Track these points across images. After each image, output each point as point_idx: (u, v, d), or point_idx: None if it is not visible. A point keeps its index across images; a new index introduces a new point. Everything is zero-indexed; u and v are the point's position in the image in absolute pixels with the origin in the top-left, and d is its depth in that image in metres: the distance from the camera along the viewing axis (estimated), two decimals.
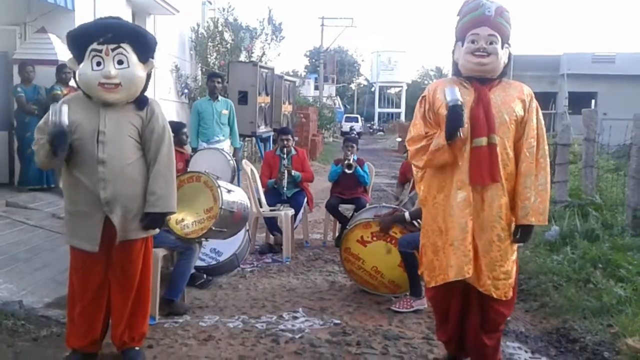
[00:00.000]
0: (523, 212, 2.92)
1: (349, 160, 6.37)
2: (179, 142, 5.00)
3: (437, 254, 3.04)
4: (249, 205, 4.52)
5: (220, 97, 7.43)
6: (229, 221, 4.12)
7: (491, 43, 2.91)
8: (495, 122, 2.91)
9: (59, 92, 6.60)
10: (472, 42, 2.93)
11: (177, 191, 3.32)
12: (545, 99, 25.50)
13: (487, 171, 2.88)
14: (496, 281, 2.93)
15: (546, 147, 3.01)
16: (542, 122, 3.03)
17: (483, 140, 2.89)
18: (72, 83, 6.43)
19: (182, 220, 3.98)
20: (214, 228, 3.95)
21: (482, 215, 2.93)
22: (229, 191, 4.17)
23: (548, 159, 3.02)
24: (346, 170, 6.35)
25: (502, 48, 2.95)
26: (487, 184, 2.90)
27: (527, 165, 2.94)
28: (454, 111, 2.84)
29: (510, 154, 2.95)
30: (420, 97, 3.15)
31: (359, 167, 6.39)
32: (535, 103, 3.02)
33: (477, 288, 2.97)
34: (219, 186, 4.04)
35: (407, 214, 4.44)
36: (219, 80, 7.44)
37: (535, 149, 2.95)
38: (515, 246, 3.03)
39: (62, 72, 6.87)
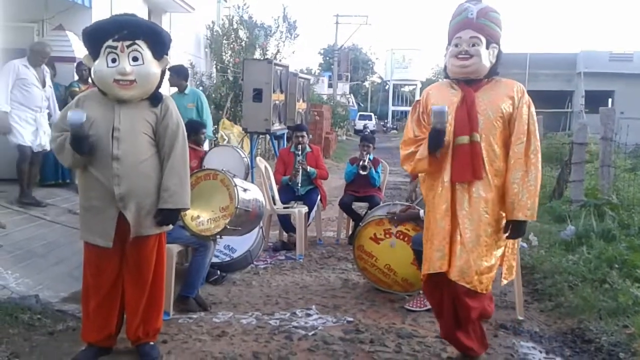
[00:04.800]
0: (511, 207, 3.00)
1: (364, 161, 6.39)
2: (197, 141, 5.02)
3: (426, 245, 3.19)
4: (264, 203, 4.53)
5: (188, 90, 6.91)
6: (244, 219, 4.12)
7: (473, 45, 2.99)
8: (480, 121, 3.00)
9: (77, 89, 6.66)
10: (456, 45, 3.04)
11: (194, 188, 3.33)
12: (561, 98, 25.26)
13: (468, 168, 2.98)
14: (481, 276, 3.03)
15: (537, 143, 3.06)
16: (535, 118, 3.09)
17: (465, 139, 3.00)
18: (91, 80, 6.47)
19: (198, 217, 3.99)
20: (229, 227, 3.96)
21: (469, 211, 3.01)
22: (245, 190, 4.17)
23: (539, 155, 3.06)
24: (360, 172, 6.38)
25: (488, 48, 3.01)
26: (469, 181, 3.00)
27: (516, 162, 3.01)
28: (433, 134, 2.98)
29: (497, 151, 3.03)
30: (415, 101, 3.29)
31: (372, 170, 6.41)
32: (526, 99, 3.07)
33: (460, 283, 3.03)
34: (235, 185, 4.04)
35: (421, 212, 4.42)
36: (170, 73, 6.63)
37: (525, 145, 3.01)
38: (502, 242, 3.10)
39: (80, 69, 6.93)
